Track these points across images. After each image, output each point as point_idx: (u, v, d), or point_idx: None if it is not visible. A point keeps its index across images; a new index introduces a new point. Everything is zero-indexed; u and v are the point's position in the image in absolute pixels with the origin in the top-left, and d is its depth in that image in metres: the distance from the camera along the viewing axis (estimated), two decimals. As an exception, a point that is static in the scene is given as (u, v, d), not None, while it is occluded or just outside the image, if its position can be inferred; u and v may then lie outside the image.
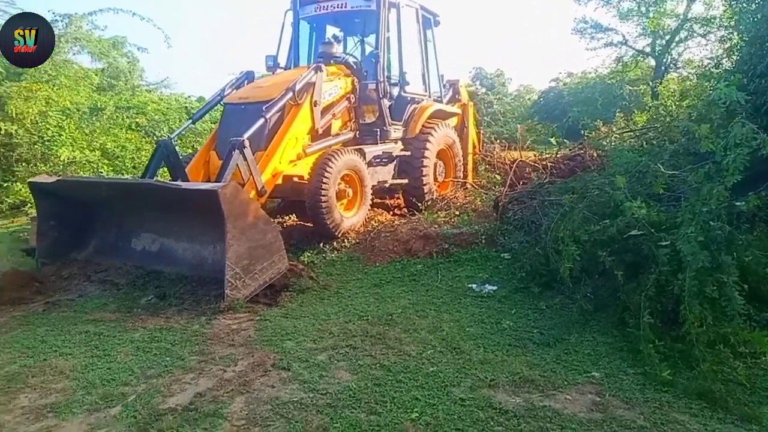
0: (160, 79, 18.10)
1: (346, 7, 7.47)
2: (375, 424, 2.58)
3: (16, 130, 9.63)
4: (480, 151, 10.07)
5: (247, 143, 5.09)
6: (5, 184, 9.38)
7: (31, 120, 9.78)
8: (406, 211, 7.47)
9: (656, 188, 4.23)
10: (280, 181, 5.76)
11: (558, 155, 8.19)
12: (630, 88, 17.60)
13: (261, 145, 5.62)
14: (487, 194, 7.17)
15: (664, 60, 19.48)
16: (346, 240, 5.98)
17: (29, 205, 8.44)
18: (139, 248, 5.34)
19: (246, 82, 6.86)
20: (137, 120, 10.80)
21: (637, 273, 3.89)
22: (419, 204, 7.12)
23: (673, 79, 12.54)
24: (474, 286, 4.71)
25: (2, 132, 9.46)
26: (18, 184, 9.21)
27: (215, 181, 4.99)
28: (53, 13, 12.28)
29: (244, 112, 5.86)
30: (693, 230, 3.59)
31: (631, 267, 3.99)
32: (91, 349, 3.47)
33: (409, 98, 7.77)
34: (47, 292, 4.84)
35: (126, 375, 3.11)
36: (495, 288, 4.63)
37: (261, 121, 5.47)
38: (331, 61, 6.94)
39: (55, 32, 12.19)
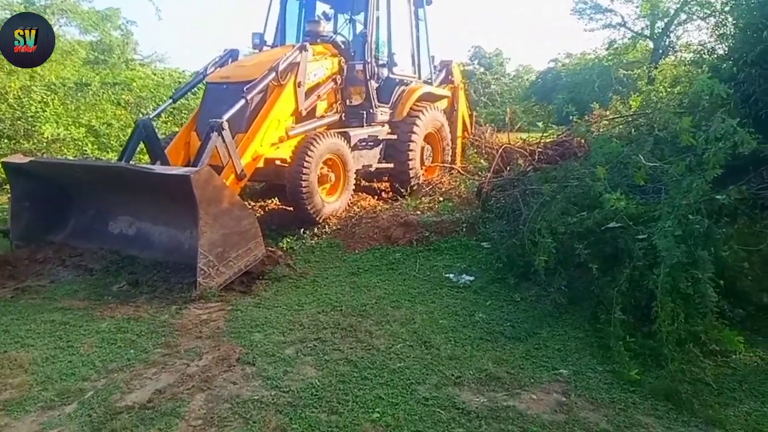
0: (153, 52, 17.81)
1: None
2: (335, 425, 2.53)
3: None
4: (471, 133, 9.94)
5: (225, 125, 4.96)
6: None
7: (13, 95, 9.62)
8: (391, 195, 7.39)
9: (637, 180, 4.16)
10: (261, 164, 5.65)
11: (546, 140, 8.08)
12: (624, 72, 17.35)
13: (242, 127, 5.50)
14: (472, 180, 7.07)
15: (663, 43, 19.26)
16: (327, 226, 5.90)
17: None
18: (116, 232, 5.25)
19: (230, 60, 6.70)
20: (123, 96, 10.61)
21: (613, 267, 3.83)
22: (402, 190, 7.03)
23: (668, 63, 12.33)
24: (451, 276, 4.65)
25: (-15, 109, 9.28)
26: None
27: (193, 164, 4.90)
28: None
29: (225, 92, 5.73)
30: (670, 224, 3.53)
31: (607, 260, 3.93)
32: (55, 340, 3.40)
33: (397, 80, 7.63)
34: (19, 276, 4.74)
35: (87, 369, 3.05)
36: (472, 278, 4.58)
37: (241, 102, 5.34)
38: (318, 40, 6.80)
39: (41, 3, 11.97)
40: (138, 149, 5.69)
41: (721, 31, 5.89)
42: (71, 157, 8.77)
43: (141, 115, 10.41)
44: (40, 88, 9.83)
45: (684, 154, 4.00)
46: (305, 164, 5.58)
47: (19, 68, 9.76)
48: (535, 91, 32.02)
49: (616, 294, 3.42)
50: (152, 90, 11.31)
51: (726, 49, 6.05)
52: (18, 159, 5.50)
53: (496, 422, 2.57)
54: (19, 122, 9.49)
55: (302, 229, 5.77)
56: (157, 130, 5.95)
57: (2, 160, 5.80)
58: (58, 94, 10.05)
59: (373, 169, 7.19)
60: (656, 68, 11.96)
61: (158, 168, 4.98)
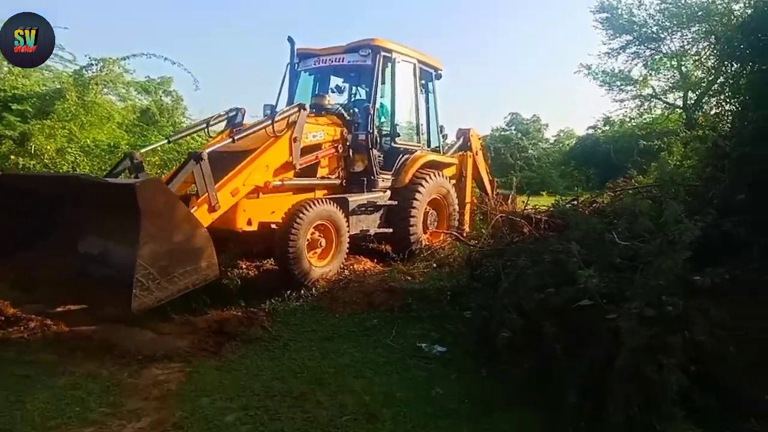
0: (201, 117, 18.86)
1: (343, 61, 7.75)
2: (242, 501, 2.45)
3: (33, 165, 10.05)
4: (493, 198, 9.97)
5: (205, 156, 5.07)
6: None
7: (48, 156, 10.22)
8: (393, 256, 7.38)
9: (612, 258, 4.06)
10: (255, 227, 5.79)
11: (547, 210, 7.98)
12: (643, 142, 17.17)
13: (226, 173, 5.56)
14: (468, 247, 7.00)
15: (695, 114, 19.07)
16: (314, 288, 5.92)
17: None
18: (83, 251, 5.18)
19: (237, 113, 6.84)
20: (149, 159, 11.16)
21: (581, 347, 3.68)
22: (397, 255, 7.01)
23: (682, 137, 12.18)
24: (424, 345, 4.55)
25: (20, 167, 9.87)
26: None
27: None
28: (89, 57, 12.89)
29: (223, 160, 5.91)
30: (636, 305, 3.40)
31: (575, 340, 3.78)
32: (8, 395, 3.45)
33: (401, 149, 7.88)
34: (8, 327, 4.87)
35: (24, 425, 3.08)
36: (444, 349, 4.47)
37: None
38: (323, 113, 7.15)
39: (88, 75, 12.92)
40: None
41: (718, 110, 5.82)
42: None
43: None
44: (74, 149, 10.45)
45: (655, 234, 3.90)
46: (293, 229, 5.70)
47: (59, 132, 10.49)
48: (574, 156, 31.99)
49: (573, 377, 3.27)
50: (179, 152, 11.85)
51: (728, 126, 5.96)
52: None
53: None
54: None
55: (288, 291, 5.80)
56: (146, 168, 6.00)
57: None
58: (90, 155, 10.63)
59: (371, 234, 7.27)
60: (674, 140, 11.81)
61: (110, 180, 5.00)
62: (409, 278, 6.11)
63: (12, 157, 9.79)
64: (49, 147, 10.13)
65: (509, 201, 9.97)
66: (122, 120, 12.73)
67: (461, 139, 9.83)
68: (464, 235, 7.76)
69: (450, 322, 5.02)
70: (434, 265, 6.61)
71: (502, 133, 38.75)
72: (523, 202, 9.25)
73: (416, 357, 4.36)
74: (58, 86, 12.47)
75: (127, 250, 4.61)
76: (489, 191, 10.07)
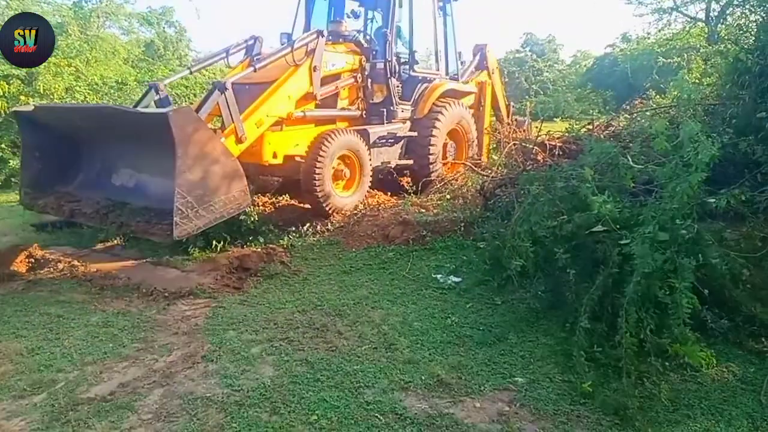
0: (207, 50, 18.50)
1: None
2: (271, 425, 2.63)
3: (45, 105, 10.05)
4: (509, 123, 9.83)
5: (229, 86, 5.04)
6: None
7: (57, 95, 10.19)
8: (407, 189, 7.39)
9: (626, 182, 4.03)
10: (281, 160, 5.87)
11: (569, 134, 7.84)
12: (663, 59, 16.44)
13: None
14: (481, 177, 6.97)
15: (718, 27, 18.07)
16: (329, 223, 6.01)
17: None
18: (118, 183, 5.32)
19: (255, 42, 6.67)
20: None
21: (593, 273, 3.73)
22: (411, 187, 6.99)
23: (703, 52, 11.59)
24: (439, 276, 4.65)
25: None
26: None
27: None
28: None
29: (247, 91, 5.78)
30: (650, 230, 3.40)
31: (589, 266, 3.83)
32: (45, 333, 3.66)
33: (420, 77, 7.71)
34: (39, 268, 5.10)
35: (64, 361, 3.28)
36: (459, 280, 4.56)
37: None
38: (340, 40, 6.94)
39: (87, 7, 12.62)
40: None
41: (742, 21, 5.53)
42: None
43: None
44: (83, 87, 10.39)
45: (670, 156, 3.83)
46: (319, 159, 5.80)
47: (65, 69, 10.40)
48: (591, 78, 30.84)
49: (586, 301, 3.34)
50: (187, 86, 11.72)
51: (752, 40, 5.69)
52: (25, 107, 5.74)
53: (430, 430, 2.59)
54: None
55: (305, 226, 5.90)
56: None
57: (13, 108, 6.08)
58: (99, 93, 10.57)
59: (392, 166, 7.31)
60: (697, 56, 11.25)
61: (141, 108, 5.04)
62: (423, 210, 6.15)
63: (22, 97, 9.76)
64: (57, 86, 10.07)
65: (524, 127, 9.80)
66: (127, 55, 12.54)
67: (478, 56, 9.61)
68: (480, 165, 7.69)
69: (464, 252, 5.10)
70: (447, 196, 6.61)
71: (516, 55, 37.36)
72: (537, 128, 9.11)
73: (431, 288, 4.46)
74: (59, 20, 12.21)
75: (161, 181, 4.76)
76: (504, 116, 9.90)
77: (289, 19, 7.53)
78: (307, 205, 6.37)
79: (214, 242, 5.29)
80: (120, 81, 11.18)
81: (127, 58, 12.62)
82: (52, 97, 10.04)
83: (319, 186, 5.84)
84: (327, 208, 6.01)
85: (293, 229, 5.93)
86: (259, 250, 5.28)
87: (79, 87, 10.50)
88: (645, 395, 2.83)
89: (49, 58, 10.62)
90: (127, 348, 3.46)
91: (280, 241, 5.59)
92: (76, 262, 5.08)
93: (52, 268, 5.02)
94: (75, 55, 11.14)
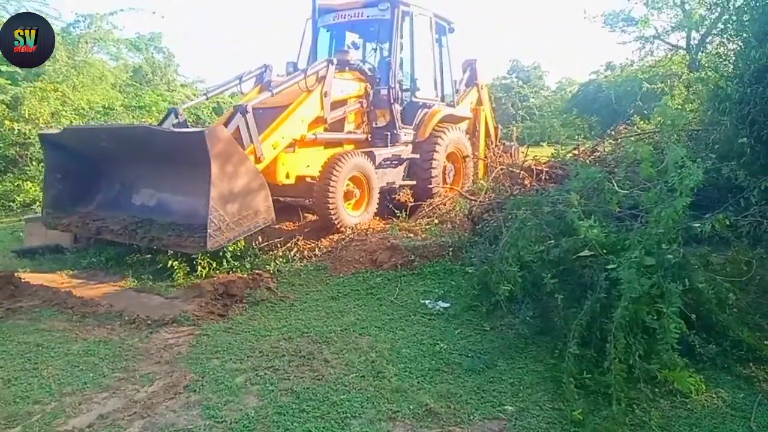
0: (195, 76, 18.66)
1: (362, 16, 7.83)
2: (255, 457, 2.55)
3: (29, 130, 9.99)
4: (497, 145, 9.96)
5: (250, 109, 5.34)
6: (17, 183, 9.76)
7: (43, 120, 10.15)
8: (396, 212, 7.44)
9: (612, 207, 4.06)
10: (293, 181, 6.17)
11: (555, 159, 7.94)
12: (646, 85, 16.83)
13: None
14: (468, 202, 7.00)
15: (699, 55, 18.54)
16: (317, 248, 5.96)
17: (38, 203, 8.75)
18: (138, 203, 5.62)
19: (266, 70, 7.09)
20: (144, 120, 11.06)
21: (582, 298, 3.72)
22: (399, 211, 7.03)
23: (685, 79, 11.88)
24: (427, 302, 4.61)
25: (16, 132, 9.82)
26: (29, 182, 9.58)
27: None
28: (76, 13, 12.63)
29: (261, 116, 5.96)
30: (637, 254, 3.41)
31: (577, 291, 3.83)
32: (23, 362, 3.55)
33: (420, 103, 8.05)
34: (19, 296, 4.98)
35: (42, 392, 3.17)
36: (447, 305, 4.53)
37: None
38: (346, 68, 7.22)
39: (76, 33, 12.65)
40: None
41: (721, 49, 5.67)
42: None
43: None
44: (69, 112, 10.36)
45: (655, 181, 3.87)
46: (332, 179, 6.06)
47: (51, 94, 10.38)
48: (576, 103, 31.50)
49: (574, 326, 3.33)
50: (188, 111, 11.69)
51: (731, 67, 5.83)
52: (52, 130, 6.05)
53: (418, 462, 2.53)
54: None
55: (293, 251, 5.85)
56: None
57: (39, 131, 6.42)
58: (85, 118, 10.54)
59: (396, 186, 7.58)
60: (677, 83, 11.51)
61: (175, 129, 5.33)
62: (411, 235, 6.14)
63: (6, 122, 9.71)
64: (42, 110, 10.07)
65: (512, 152, 9.91)
66: (115, 80, 12.57)
67: (468, 71, 9.93)
68: (469, 189, 7.80)
69: (453, 277, 5.07)
70: (436, 221, 6.62)
71: (503, 81, 38.02)
72: (524, 153, 9.21)
73: (420, 313, 4.42)
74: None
75: (183, 199, 5.14)
76: (493, 138, 10.08)
77: (275, 46, 7.93)
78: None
79: (199, 268, 5.22)
80: (106, 106, 11.18)
81: (115, 83, 12.65)
82: (37, 121, 10.00)
83: (332, 205, 6.11)
84: (338, 226, 6.28)
85: (280, 254, 5.87)
86: (245, 275, 5.21)
87: (65, 112, 10.49)
88: (636, 422, 2.79)
89: (35, 83, 10.65)
90: (108, 378, 3.37)
91: (267, 266, 5.53)
92: (57, 289, 4.99)
93: (32, 295, 4.91)
94: (62, 80, 11.18)
